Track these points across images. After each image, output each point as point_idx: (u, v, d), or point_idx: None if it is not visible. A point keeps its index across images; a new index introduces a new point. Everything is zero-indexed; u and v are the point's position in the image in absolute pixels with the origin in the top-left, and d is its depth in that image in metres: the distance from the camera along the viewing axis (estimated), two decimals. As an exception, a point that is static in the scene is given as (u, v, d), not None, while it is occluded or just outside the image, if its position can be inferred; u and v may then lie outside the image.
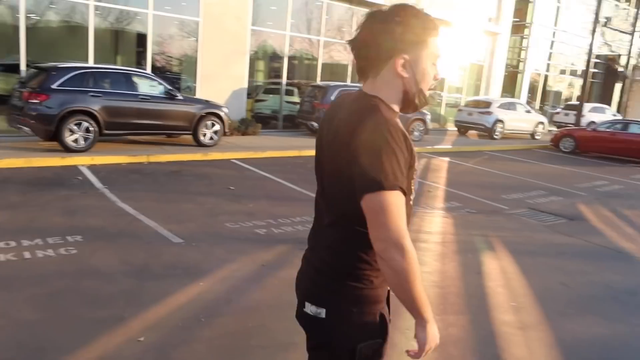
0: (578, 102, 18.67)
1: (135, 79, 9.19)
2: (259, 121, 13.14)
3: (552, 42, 23.90)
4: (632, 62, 18.03)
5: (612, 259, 5.32)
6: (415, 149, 1.33)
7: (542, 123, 18.06)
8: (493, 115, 16.37)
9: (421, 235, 5.48)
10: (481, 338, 3.17)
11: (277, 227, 5.29)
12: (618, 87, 22.40)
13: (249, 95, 13.91)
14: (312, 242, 1.54)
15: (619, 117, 18.70)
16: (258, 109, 14.35)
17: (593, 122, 16.57)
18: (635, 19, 18.19)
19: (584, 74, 17.74)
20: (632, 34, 18.07)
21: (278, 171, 8.58)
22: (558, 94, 25.71)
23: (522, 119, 17.50)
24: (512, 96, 21.77)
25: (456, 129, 18.02)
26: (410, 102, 1.38)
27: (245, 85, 13.28)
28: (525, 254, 5.11)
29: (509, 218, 6.68)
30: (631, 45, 17.90)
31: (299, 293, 1.50)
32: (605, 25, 20.82)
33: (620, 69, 18.04)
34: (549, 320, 3.52)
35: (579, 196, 8.65)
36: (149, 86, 9.32)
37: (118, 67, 9.90)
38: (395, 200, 1.22)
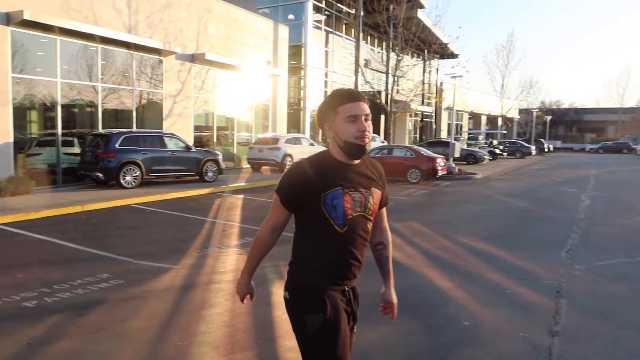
0: (353, 133, 21.09)
1: None
2: (33, 177, 11.67)
3: (326, 81, 26.70)
4: (391, 96, 21.14)
5: (383, 269, 6.06)
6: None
7: (325, 154, 19.86)
8: (281, 150, 17.43)
9: (214, 277, 5.48)
10: (268, 368, 3.29)
11: (52, 295, 4.72)
12: (382, 118, 26.09)
13: (20, 149, 12.31)
14: None
15: (385, 143, 21.67)
16: (32, 164, 12.75)
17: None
18: (387, 61, 21.48)
19: (354, 109, 20.15)
20: (386, 73, 21.26)
21: (56, 231, 7.71)
22: (337, 126, 28.67)
23: (307, 152, 18.93)
24: (299, 132, 23.51)
25: (249, 165, 18.68)
26: (344, 151, 1.95)
27: (11, 139, 11.73)
28: (312, 278, 5.50)
29: (299, 246, 7.11)
30: (386, 82, 21.05)
31: None
32: (365, 66, 24.11)
33: (381, 103, 20.99)
34: (329, 336, 3.84)
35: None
36: None
37: None
38: (273, 199, 2.01)
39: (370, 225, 2.05)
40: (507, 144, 38.14)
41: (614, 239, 7.94)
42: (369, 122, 1.96)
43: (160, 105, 16.57)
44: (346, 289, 2.01)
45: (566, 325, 4.21)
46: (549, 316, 4.40)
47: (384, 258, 2.22)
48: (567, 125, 67.42)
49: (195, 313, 4.32)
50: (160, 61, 16.34)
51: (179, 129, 16.48)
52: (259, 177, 16.11)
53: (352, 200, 1.95)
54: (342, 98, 1.95)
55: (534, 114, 46.87)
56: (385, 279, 2.25)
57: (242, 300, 2.22)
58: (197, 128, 18.33)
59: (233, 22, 19.33)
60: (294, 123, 24.57)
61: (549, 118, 51.91)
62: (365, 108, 1.94)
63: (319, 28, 25.95)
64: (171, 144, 13.57)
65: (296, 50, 24.46)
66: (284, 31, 22.31)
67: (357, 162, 2.00)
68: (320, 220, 1.93)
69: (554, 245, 7.37)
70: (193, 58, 17.42)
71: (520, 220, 9.87)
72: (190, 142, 15.30)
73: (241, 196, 12.33)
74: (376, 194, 2.04)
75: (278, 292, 4.93)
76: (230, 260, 6.24)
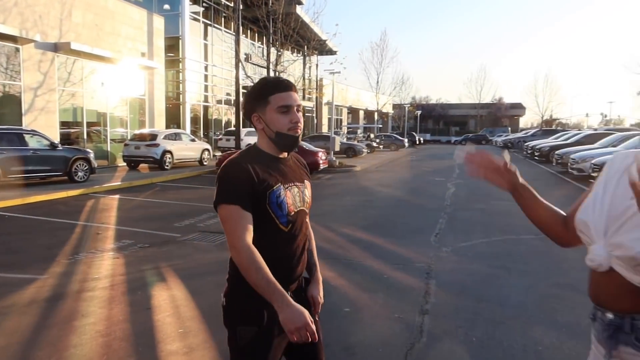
0: (235, 128, 20.85)
1: None
2: None
3: (206, 75, 26.03)
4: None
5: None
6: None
7: (207, 150, 19.42)
8: (160, 146, 16.71)
9: (87, 284, 5.10)
10: (149, 374, 3.16)
11: None
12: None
13: None
14: None
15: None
16: None
17: (250, 144, 18.74)
18: (268, 56, 21.52)
19: (236, 103, 19.94)
20: (267, 68, 21.29)
21: None
22: (219, 121, 28.16)
23: (188, 148, 18.43)
24: (179, 127, 22.66)
25: (125, 164, 17.63)
26: (275, 142, 1.84)
27: None
28: (195, 277, 5.37)
29: (181, 245, 6.90)
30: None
31: None
32: (246, 60, 23.92)
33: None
34: (214, 336, 3.78)
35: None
36: None
37: None
38: (229, 213, 1.73)
39: (307, 219, 1.98)
40: (383, 137, 40.40)
41: (474, 221, 8.82)
42: (300, 114, 1.87)
43: (18, 98, 14.96)
44: (289, 293, 1.81)
45: (435, 303, 4.61)
46: (420, 296, 4.78)
47: (307, 251, 2.07)
48: (435, 120, 73.15)
49: (66, 325, 3.99)
50: (17, 50, 14.73)
51: (42, 125, 15.02)
52: (136, 176, 15.26)
53: (292, 195, 1.86)
54: (273, 87, 1.83)
55: (406, 108, 50.15)
56: (310, 272, 2.09)
57: (313, 331, 1.64)
58: (64, 124, 16.87)
59: (102, 9, 18.01)
60: (174, 118, 23.63)
61: (419, 113, 55.91)
62: (297, 98, 1.85)
63: (197, 20, 25.18)
64: (33, 142, 12.30)
65: (173, 43, 23.51)
66: (159, 22, 21.30)
67: (285, 155, 1.91)
68: (263, 221, 1.78)
69: (424, 230, 7.99)
70: (56, 47, 15.94)
71: (395, 208, 10.54)
72: (57, 140, 14.05)
73: (117, 196, 11.59)
74: (309, 185, 1.99)
75: (158, 295, 4.75)
76: (105, 266, 5.85)
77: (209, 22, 26.19)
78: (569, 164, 16.19)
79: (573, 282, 5.29)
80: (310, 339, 1.64)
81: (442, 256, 6.37)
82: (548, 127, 50.63)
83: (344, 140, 30.06)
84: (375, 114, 48.89)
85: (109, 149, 18.87)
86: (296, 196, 1.88)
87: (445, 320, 4.19)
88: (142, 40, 20.10)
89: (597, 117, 72.85)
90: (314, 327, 1.64)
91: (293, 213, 1.85)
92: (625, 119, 68.57)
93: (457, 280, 5.34)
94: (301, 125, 1.85)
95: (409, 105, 52.77)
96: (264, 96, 1.83)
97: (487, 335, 3.83)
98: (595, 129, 29.48)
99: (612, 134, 19.73)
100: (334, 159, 20.57)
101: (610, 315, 1.28)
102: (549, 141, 26.01)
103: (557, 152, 19.73)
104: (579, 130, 37.48)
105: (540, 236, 7.78)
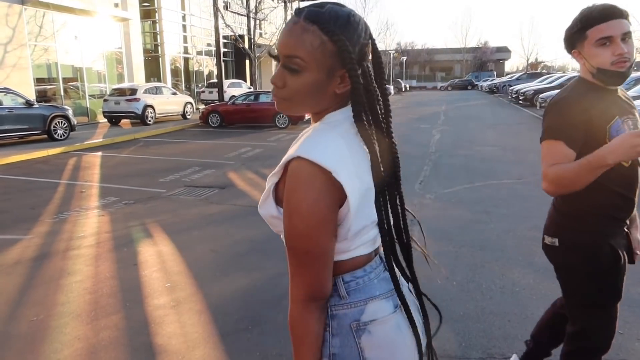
0: (217, 80, 20.42)
1: None
2: None
3: (184, 25, 25.19)
4: (254, 41, 20.66)
5: (254, 216, 6.14)
6: None
7: (190, 103, 19.09)
8: (141, 101, 16.38)
9: (73, 243, 5.11)
10: (134, 330, 3.22)
11: None
12: (247, 63, 25.53)
13: None
14: None
15: (252, 89, 21.37)
16: None
17: (234, 96, 18.47)
18: (247, 3, 20.80)
19: (217, 54, 19.43)
20: (247, 16, 20.63)
21: None
22: (200, 73, 27.52)
23: (170, 102, 18.10)
24: (159, 80, 22.13)
25: (106, 120, 17.32)
26: (598, 79, 1.78)
27: None
28: (180, 232, 5.40)
29: (166, 200, 6.90)
30: (248, 26, 20.46)
31: (544, 230, 2.02)
32: (225, 9, 23.11)
33: (244, 48, 20.44)
34: (200, 289, 3.85)
35: (228, 165, 9.61)
36: None
37: None
38: (550, 148, 1.75)
39: None
40: (369, 85, 39.90)
41: (458, 168, 8.90)
42: (630, 42, 1.71)
43: (-13, 55, 14.41)
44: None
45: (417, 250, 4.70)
46: (404, 243, 4.86)
47: None
48: (420, 65, 72.32)
49: (53, 284, 4.03)
50: (-18, 3, 14.07)
51: (15, 82, 14.57)
52: (118, 132, 15.03)
53: (629, 128, 1.76)
54: (590, 20, 1.73)
55: (392, 55, 49.33)
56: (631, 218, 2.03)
57: None
58: (39, 81, 16.38)
59: (69, -43, 17.11)
60: (153, 71, 23.03)
61: (404, 59, 55.11)
62: (623, 25, 1.68)
63: (171, -34, 24.07)
64: (7, 100, 11.97)
65: (147, -9, 22.56)
66: (131, -31, 20.35)
67: (617, 87, 1.84)
68: None
69: (409, 178, 8.04)
70: (23, 0, 15.24)
71: (381, 157, 10.54)
72: (32, 97, 13.67)
73: (99, 153, 11.45)
74: (638, 118, 1.86)
75: (145, 251, 4.78)
76: (90, 224, 5.85)
77: (184, -31, 25.09)
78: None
79: (552, 224, 5.41)
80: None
81: (426, 203, 6.46)
82: (533, 71, 50.36)
83: (329, 89, 29.59)
84: (360, 61, 48.06)
85: (88, 105, 18.45)
86: (631, 129, 1.76)
87: (426, 266, 4.28)
88: (114, -11, 19.27)
89: (582, 59, 72.36)
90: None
91: None
92: (610, 59, 68.38)
93: (440, 227, 5.44)
94: (630, 56, 1.70)
95: (394, 51, 51.90)
96: (581, 30, 1.77)
97: (467, 279, 3.95)
98: (579, 71, 29.27)
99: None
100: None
101: None
102: (534, 85, 25.93)
103: (541, 95, 19.71)
104: (564, 72, 37.36)
105: (521, 180, 7.90)
